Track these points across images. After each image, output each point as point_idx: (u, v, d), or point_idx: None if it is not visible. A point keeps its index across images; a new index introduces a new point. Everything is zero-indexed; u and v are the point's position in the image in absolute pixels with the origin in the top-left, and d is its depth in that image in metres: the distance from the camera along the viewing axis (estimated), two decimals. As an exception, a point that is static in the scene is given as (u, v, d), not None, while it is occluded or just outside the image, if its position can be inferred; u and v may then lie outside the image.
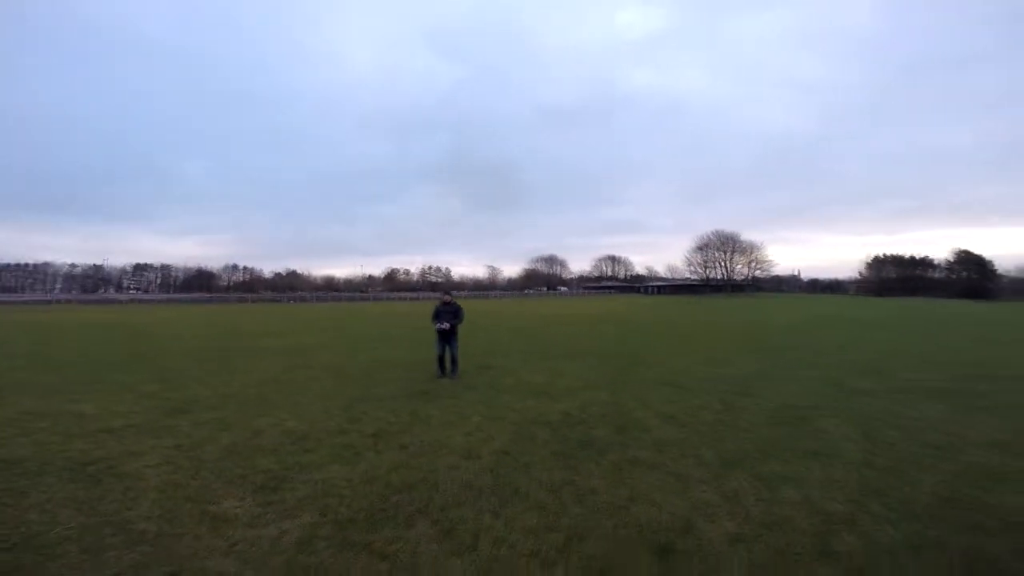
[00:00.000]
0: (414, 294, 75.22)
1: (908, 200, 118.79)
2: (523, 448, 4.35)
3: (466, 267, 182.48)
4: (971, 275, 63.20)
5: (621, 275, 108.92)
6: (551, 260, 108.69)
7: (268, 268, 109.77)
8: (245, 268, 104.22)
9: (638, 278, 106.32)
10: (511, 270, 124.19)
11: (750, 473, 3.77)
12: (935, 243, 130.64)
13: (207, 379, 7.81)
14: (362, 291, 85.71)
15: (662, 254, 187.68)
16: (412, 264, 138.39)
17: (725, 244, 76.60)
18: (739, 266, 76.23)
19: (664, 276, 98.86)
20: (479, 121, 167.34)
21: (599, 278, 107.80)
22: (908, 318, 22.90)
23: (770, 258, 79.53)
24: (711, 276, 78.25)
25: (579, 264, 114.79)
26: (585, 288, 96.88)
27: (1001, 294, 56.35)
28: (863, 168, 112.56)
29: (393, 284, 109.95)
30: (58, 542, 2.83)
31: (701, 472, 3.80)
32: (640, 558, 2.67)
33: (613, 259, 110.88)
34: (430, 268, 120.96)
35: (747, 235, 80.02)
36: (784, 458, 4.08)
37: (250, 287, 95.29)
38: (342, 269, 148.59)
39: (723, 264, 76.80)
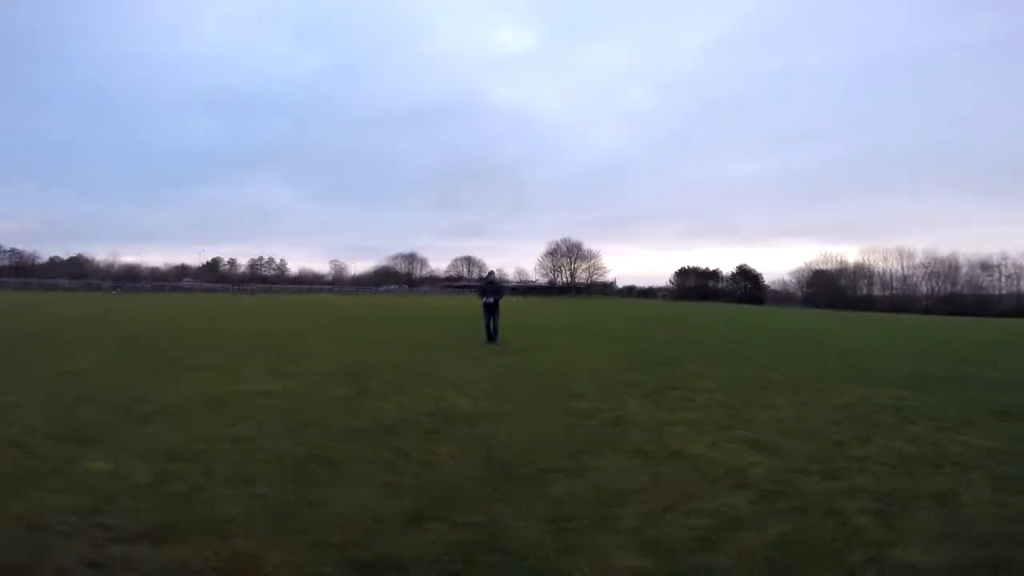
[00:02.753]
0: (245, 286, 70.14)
1: (703, 221, 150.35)
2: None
3: (303, 261, 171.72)
4: (748, 285, 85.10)
5: (475, 276, 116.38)
6: (410, 258, 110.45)
7: (48, 252, 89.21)
8: (13, 250, 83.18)
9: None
10: (362, 266, 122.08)
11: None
12: (725, 258, 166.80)
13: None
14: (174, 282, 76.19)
15: (508, 257, 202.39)
16: (239, 254, 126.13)
17: (571, 251, 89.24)
18: (580, 271, 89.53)
19: (513, 279, 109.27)
20: (334, 112, 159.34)
21: (457, 278, 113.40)
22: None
23: (605, 265, 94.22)
24: (558, 280, 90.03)
25: (438, 263, 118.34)
26: (444, 287, 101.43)
27: (768, 300, 77.56)
28: (671, 190, 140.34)
29: (217, 275, 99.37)
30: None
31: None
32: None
33: (469, 260, 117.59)
34: (260, 259, 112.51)
35: (588, 244, 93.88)
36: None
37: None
38: (153, 256, 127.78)
39: (568, 269, 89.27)
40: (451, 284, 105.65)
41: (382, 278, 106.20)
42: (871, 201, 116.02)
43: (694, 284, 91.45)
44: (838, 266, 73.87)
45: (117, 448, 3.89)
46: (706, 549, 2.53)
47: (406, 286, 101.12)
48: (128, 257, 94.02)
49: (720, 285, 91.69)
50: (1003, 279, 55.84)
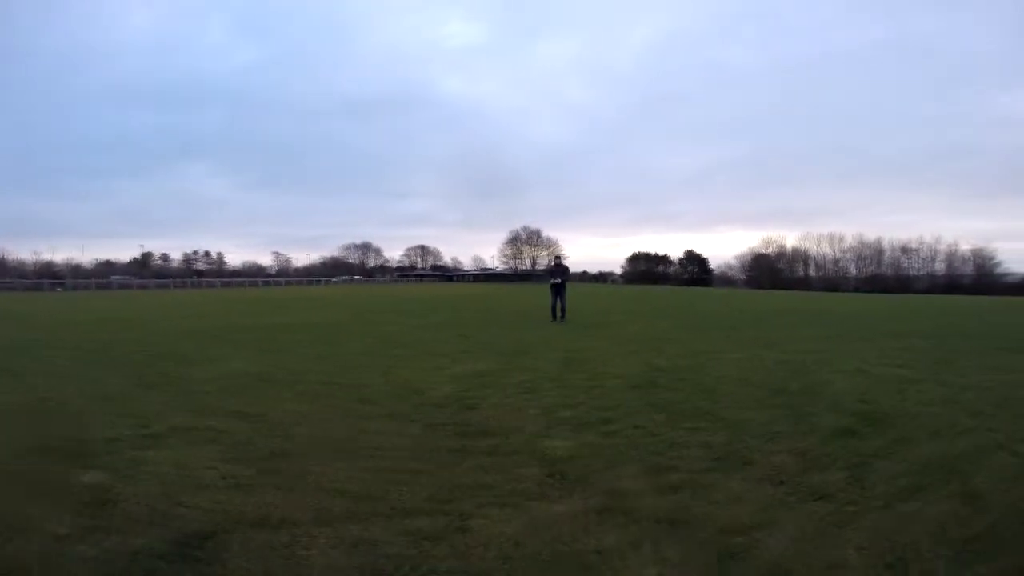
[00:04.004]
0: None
1: (646, 209, 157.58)
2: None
3: (243, 253, 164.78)
4: (695, 269, 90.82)
5: (430, 264, 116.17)
6: (364, 248, 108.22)
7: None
8: None
9: (444, 267, 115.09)
10: (307, 258, 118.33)
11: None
12: (673, 244, 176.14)
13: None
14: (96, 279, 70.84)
15: (461, 246, 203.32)
16: (172, 248, 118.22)
17: (531, 238, 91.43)
18: (541, 258, 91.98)
19: (469, 267, 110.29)
20: (276, 102, 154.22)
21: (411, 267, 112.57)
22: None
23: (564, 252, 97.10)
24: (520, 267, 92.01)
25: (392, 253, 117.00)
26: (400, 276, 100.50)
27: (714, 283, 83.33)
28: (615, 180, 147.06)
29: (151, 271, 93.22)
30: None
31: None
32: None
33: (423, 248, 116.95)
34: (195, 253, 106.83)
35: (547, 232, 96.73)
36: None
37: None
38: (74, 252, 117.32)
39: (529, 256, 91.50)
40: (407, 274, 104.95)
41: (332, 269, 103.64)
42: (805, 190, 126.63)
43: (645, 268, 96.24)
44: (777, 251, 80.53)
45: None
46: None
47: (361, 276, 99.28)
48: (49, 254, 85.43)
49: (669, 269, 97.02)
50: (920, 261, 63.80)
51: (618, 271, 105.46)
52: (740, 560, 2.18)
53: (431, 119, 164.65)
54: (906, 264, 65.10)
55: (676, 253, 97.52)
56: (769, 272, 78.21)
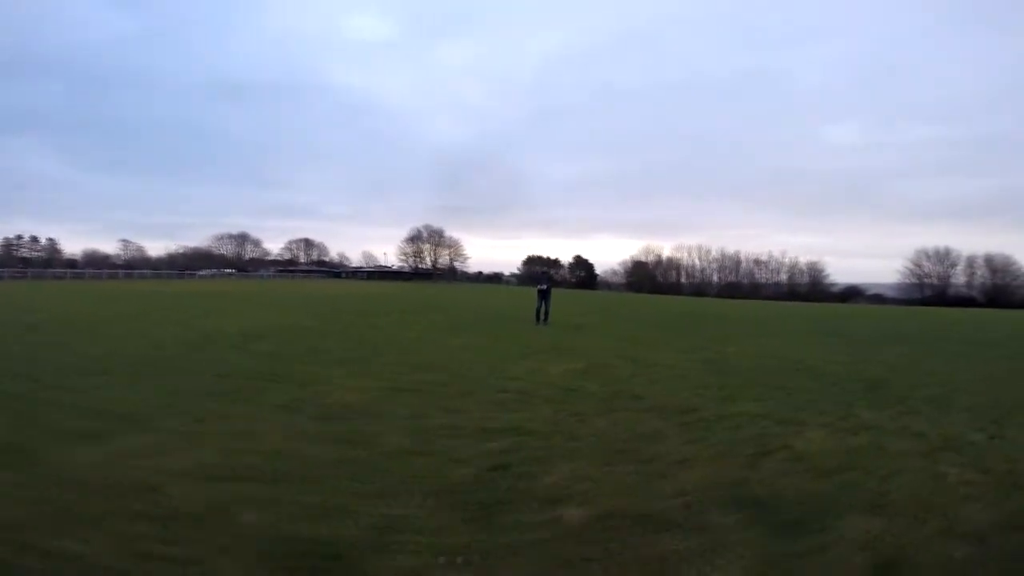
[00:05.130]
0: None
1: (534, 214, 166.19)
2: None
3: (83, 240, 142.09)
4: (583, 273, 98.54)
5: (315, 259, 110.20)
6: (240, 239, 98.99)
7: None
8: None
9: (331, 263, 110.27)
10: (165, 247, 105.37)
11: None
12: (560, 249, 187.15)
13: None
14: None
15: (349, 241, 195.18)
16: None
17: (432, 237, 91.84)
18: (442, 258, 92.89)
19: (358, 263, 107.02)
20: (137, 79, 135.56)
21: (292, 261, 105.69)
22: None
23: (466, 252, 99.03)
24: (420, 266, 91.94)
25: (271, 245, 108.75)
26: (280, 271, 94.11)
27: (600, 287, 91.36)
28: (506, 183, 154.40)
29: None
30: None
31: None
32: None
33: (307, 242, 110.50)
34: (19, 238, 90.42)
35: (449, 231, 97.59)
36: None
37: None
38: None
39: (431, 255, 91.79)
40: (289, 268, 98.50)
41: (195, 260, 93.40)
42: (673, 203, 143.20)
43: (539, 271, 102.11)
44: (655, 259, 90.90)
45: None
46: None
47: (233, 270, 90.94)
48: None
49: (560, 273, 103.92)
50: (768, 272, 76.97)
51: (508, 272, 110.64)
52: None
53: (323, 110, 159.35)
54: (758, 274, 78.06)
55: (564, 257, 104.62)
56: (648, 278, 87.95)
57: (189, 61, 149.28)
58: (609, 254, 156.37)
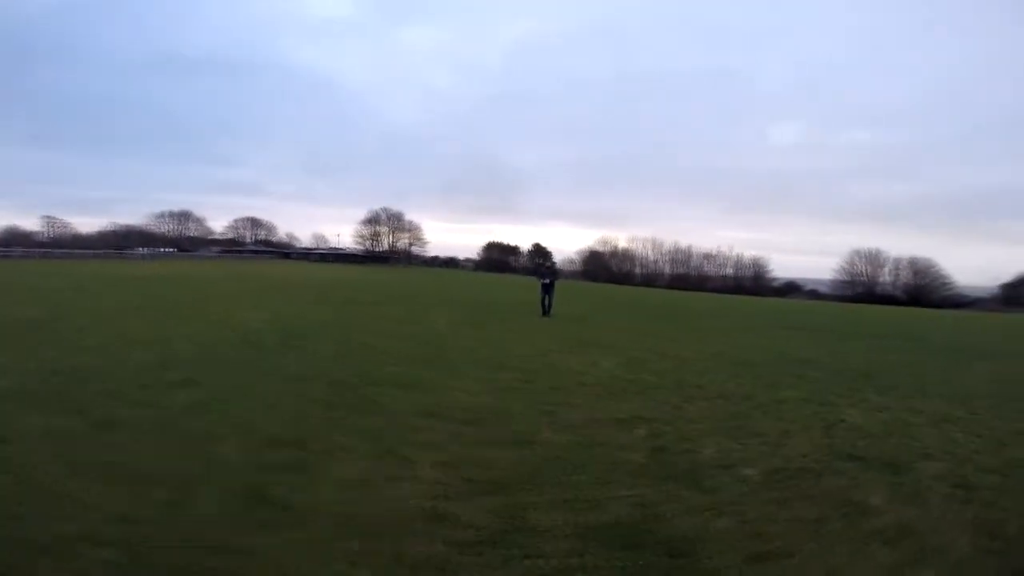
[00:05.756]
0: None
1: (493, 198, 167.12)
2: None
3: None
4: (541, 261, 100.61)
5: (262, 238, 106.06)
6: (183, 217, 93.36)
7: None
8: None
9: (280, 244, 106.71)
10: (97, 223, 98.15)
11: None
12: (524, 235, 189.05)
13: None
14: None
15: (287, 220, 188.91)
16: None
17: (391, 220, 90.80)
18: (401, 242, 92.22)
19: (308, 244, 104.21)
20: (68, 51, 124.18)
21: (239, 241, 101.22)
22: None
23: (425, 236, 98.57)
24: (378, 248, 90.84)
25: (216, 224, 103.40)
26: (225, 251, 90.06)
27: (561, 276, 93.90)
28: (465, 167, 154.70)
29: None
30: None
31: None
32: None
33: (253, 221, 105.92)
34: None
35: (409, 215, 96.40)
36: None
37: None
38: None
39: (389, 238, 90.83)
40: (234, 248, 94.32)
41: (131, 239, 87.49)
42: (633, 195, 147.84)
43: (498, 257, 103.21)
44: (611, 250, 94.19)
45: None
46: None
47: (174, 249, 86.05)
48: None
49: (518, 261, 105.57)
50: (716, 265, 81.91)
51: (463, 257, 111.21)
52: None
53: (278, 88, 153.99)
54: (707, 267, 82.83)
55: (524, 244, 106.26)
56: (603, 268, 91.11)
57: (133, 35, 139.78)
58: (564, 242, 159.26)
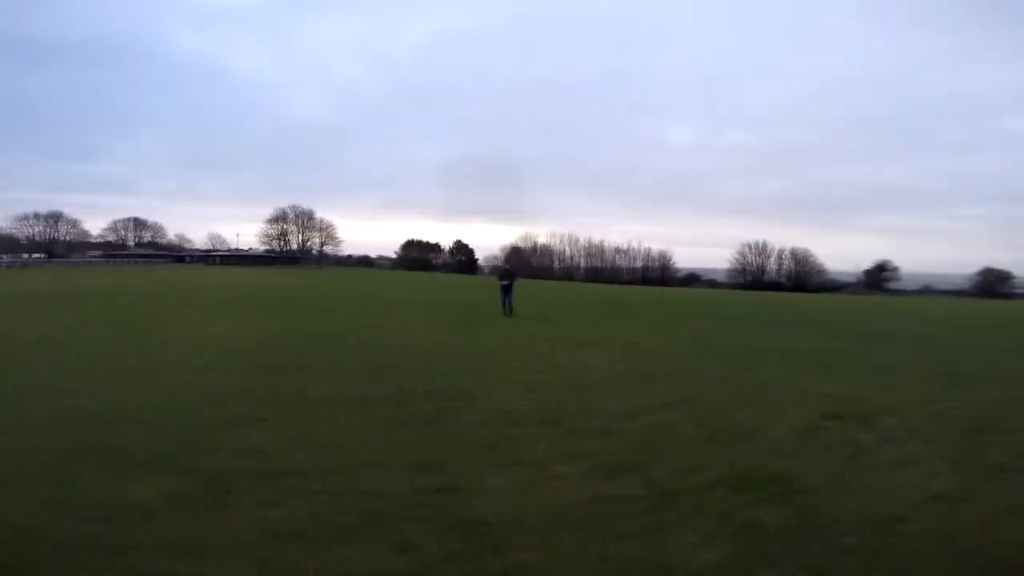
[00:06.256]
0: None
1: (397, 193, 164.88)
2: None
3: None
4: (463, 258, 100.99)
5: (148, 240, 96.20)
6: (53, 218, 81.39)
7: None
8: None
9: (168, 246, 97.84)
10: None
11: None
12: (444, 232, 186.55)
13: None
14: None
15: (186, 221, 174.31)
16: None
17: (300, 218, 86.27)
18: (312, 241, 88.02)
19: (203, 245, 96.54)
20: None
21: (120, 244, 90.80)
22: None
23: (339, 236, 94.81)
24: (285, 248, 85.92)
25: (91, 225, 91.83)
26: (109, 256, 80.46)
27: (480, 272, 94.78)
28: (372, 162, 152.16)
29: None
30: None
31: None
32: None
33: (137, 222, 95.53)
34: None
35: (320, 213, 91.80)
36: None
37: None
38: None
39: (299, 237, 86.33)
40: (118, 253, 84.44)
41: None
42: (541, 192, 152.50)
43: (418, 255, 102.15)
44: (531, 245, 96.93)
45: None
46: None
47: (44, 255, 75.31)
48: None
49: (439, 258, 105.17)
50: (628, 259, 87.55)
51: (375, 255, 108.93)
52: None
53: (152, 76, 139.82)
54: (619, 261, 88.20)
55: (444, 242, 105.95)
56: (525, 263, 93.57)
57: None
58: (483, 239, 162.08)
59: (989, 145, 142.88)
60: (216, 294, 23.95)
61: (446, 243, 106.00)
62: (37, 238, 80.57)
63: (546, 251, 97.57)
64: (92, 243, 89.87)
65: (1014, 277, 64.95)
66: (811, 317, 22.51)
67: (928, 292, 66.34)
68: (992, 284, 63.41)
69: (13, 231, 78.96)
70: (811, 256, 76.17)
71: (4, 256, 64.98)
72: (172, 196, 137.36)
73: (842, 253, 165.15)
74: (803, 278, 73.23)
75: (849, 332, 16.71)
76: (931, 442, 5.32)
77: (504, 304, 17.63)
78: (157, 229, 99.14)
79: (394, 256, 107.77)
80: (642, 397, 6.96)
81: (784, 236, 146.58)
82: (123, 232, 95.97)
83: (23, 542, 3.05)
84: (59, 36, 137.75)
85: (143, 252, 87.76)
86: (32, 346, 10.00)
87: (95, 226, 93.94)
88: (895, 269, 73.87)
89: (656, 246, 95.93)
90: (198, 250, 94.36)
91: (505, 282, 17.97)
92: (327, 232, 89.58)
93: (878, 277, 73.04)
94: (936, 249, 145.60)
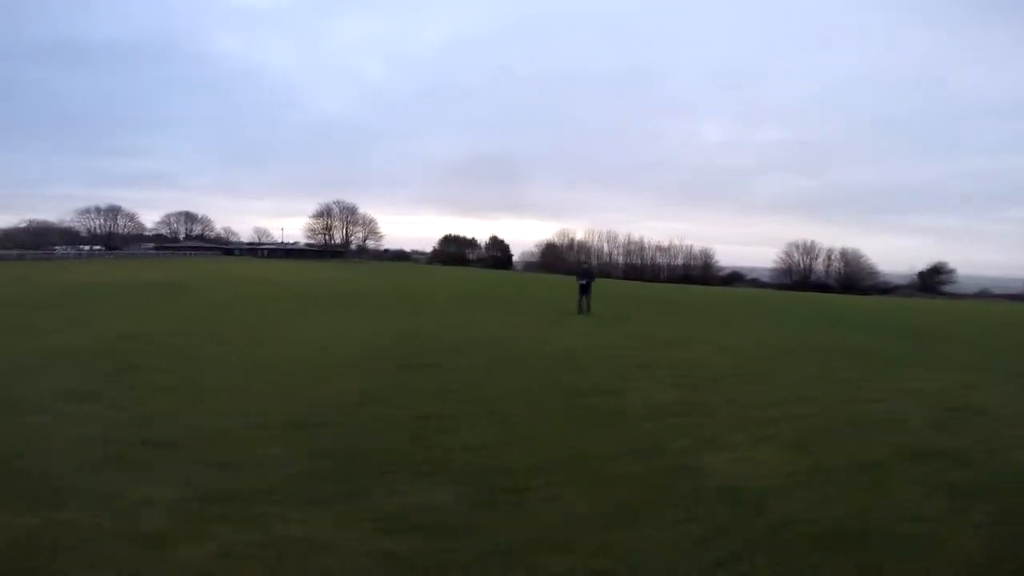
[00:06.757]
0: None
1: (424, 189, 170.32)
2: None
3: None
4: (499, 254, 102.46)
5: (197, 233, 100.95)
6: (112, 212, 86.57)
7: None
8: None
9: (216, 239, 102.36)
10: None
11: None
12: (480, 229, 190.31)
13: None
14: None
15: (228, 214, 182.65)
16: None
17: (344, 213, 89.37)
18: (355, 236, 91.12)
19: (248, 238, 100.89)
20: None
21: (172, 237, 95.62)
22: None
23: (380, 231, 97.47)
24: (330, 242, 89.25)
25: (146, 219, 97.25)
26: (162, 248, 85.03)
27: (516, 268, 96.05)
28: (401, 159, 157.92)
29: None
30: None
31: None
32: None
33: (189, 216, 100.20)
34: None
35: (363, 208, 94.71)
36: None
37: None
38: None
39: (343, 232, 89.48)
40: (169, 245, 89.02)
41: (42, 237, 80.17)
42: (592, 192, 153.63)
43: (455, 251, 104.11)
44: (568, 242, 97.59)
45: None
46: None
47: (102, 247, 79.97)
48: None
49: (475, 253, 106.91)
50: (669, 256, 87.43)
51: (408, 249, 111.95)
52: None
53: (191, 76, 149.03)
54: (660, 259, 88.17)
55: (481, 237, 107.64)
56: (560, 260, 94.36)
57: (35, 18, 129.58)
58: (518, 234, 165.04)
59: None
60: (290, 289, 25.80)
61: (481, 238, 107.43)
62: (98, 231, 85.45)
63: (583, 248, 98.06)
64: (145, 236, 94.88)
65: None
66: (873, 319, 22.86)
67: (986, 295, 64.37)
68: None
69: (74, 224, 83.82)
70: (861, 257, 74.82)
71: (64, 248, 69.39)
72: (212, 190, 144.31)
73: (892, 254, 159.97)
74: (853, 279, 71.94)
75: (902, 331, 17.33)
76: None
77: (580, 302, 18.74)
78: (206, 222, 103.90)
79: (430, 251, 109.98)
80: (767, 392, 8.03)
81: (829, 234, 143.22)
82: (175, 225, 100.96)
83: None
84: (99, 37, 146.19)
85: (193, 244, 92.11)
86: (175, 348, 9.90)
87: (149, 219, 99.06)
88: (952, 271, 71.70)
89: (696, 244, 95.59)
90: (244, 243, 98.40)
91: (583, 281, 19.05)
92: (369, 227, 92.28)
93: (933, 279, 71.09)
94: (988, 251, 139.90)
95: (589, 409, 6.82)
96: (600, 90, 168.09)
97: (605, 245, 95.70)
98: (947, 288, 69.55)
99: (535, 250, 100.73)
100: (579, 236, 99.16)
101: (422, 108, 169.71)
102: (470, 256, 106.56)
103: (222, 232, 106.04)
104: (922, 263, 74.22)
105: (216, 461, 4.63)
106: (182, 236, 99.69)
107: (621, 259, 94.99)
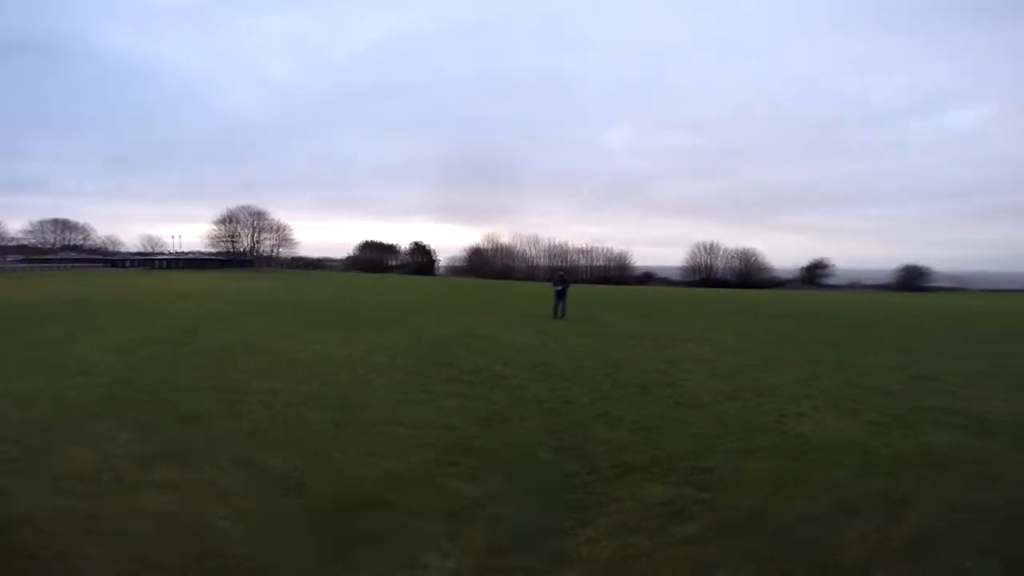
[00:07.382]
0: None
1: (336, 192, 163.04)
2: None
3: None
4: (422, 259, 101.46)
5: (75, 243, 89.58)
6: None
7: None
8: None
9: (101, 250, 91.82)
10: None
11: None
12: (396, 234, 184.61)
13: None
14: None
15: (98, 222, 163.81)
16: None
17: (252, 219, 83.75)
18: (265, 243, 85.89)
19: (134, 247, 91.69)
20: None
21: (45, 248, 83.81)
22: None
23: (295, 237, 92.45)
24: (236, 250, 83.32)
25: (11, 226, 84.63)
26: (29, 260, 74.37)
27: (438, 272, 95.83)
28: (311, 161, 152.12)
29: None
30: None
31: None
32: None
33: (63, 223, 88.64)
34: None
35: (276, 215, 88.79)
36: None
37: None
38: None
39: (251, 239, 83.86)
40: (42, 257, 77.94)
41: None
42: (517, 197, 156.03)
43: (375, 257, 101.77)
44: (494, 246, 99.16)
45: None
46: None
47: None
48: None
49: (396, 259, 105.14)
50: (591, 259, 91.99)
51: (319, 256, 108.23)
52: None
53: (73, 72, 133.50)
54: (581, 261, 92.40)
55: (402, 243, 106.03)
56: (487, 264, 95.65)
57: None
58: (438, 239, 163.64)
59: (906, 147, 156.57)
60: (240, 302, 24.33)
61: (401, 244, 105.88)
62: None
63: (508, 252, 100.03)
64: (7, 247, 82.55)
65: (931, 272, 74.65)
66: (791, 311, 26.26)
67: (857, 287, 74.71)
68: (912, 279, 72.63)
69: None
70: (756, 255, 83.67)
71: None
72: (94, 196, 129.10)
73: (782, 251, 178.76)
74: (748, 275, 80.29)
75: (834, 323, 20.48)
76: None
77: (556, 308, 19.86)
78: (85, 231, 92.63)
79: (344, 258, 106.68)
80: (794, 375, 9.66)
81: (731, 235, 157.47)
82: (46, 234, 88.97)
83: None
84: None
85: (72, 257, 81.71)
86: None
87: (14, 226, 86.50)
88: (829, 266, 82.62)
89: (615, 246, 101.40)
90: (134, 253, 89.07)
91: (559, 287, 20.21)
92: (281, 233, 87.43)
93: (815, 273, 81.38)
94: (860, 246, 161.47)
95: (679, 404, 7.90)
96: (522, 93, 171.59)
97: (529, 249, 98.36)
98: (826, 280, 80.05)
99: (463, 254, 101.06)
100: (504, 240, 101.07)
101: (338, 109, 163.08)
102: (391, 262, 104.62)
103: (105, 242, 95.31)
104: (806, 259, 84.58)
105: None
106: (56, 246, 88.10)
107: (544, 262, 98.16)
